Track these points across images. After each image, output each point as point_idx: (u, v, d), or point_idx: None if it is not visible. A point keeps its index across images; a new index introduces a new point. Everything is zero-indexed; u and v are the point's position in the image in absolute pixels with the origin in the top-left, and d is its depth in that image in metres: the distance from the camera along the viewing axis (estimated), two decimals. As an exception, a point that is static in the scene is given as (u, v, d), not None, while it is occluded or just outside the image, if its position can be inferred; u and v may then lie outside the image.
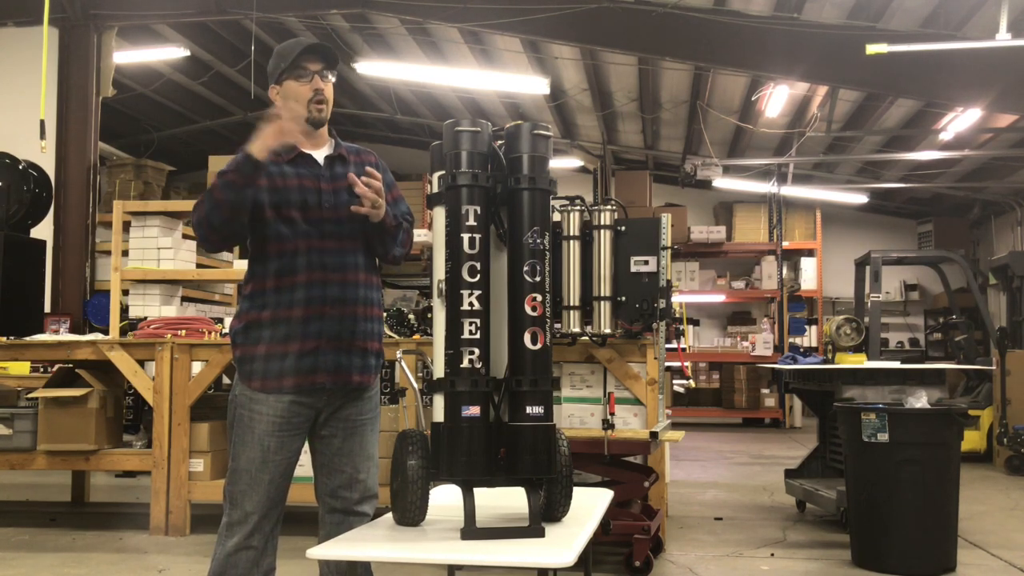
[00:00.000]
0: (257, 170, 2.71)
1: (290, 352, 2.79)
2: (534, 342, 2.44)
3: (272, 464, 2.80)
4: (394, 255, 2.97)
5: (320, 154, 2.94)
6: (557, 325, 4.51)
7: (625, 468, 4.87)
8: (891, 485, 4.69)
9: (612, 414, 4.59)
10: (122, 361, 5.66)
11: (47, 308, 8.13)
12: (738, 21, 8.49)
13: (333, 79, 2.94)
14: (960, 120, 10.17)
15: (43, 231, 8.12)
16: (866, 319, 8.32)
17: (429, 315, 5.67)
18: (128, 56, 9.63)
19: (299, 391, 2.80)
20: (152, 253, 6.80)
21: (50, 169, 8.26)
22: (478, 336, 2.43)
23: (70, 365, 5.92)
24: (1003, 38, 7.12)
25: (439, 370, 2.48)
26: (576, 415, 4.88)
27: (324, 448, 2.92)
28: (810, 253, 14.74)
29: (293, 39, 3.00)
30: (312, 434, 2.92)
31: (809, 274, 14.64)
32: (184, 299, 7.69)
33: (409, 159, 14.08)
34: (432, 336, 2.58)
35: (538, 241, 2.48)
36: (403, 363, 3.67)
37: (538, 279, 2.47)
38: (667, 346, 4.81)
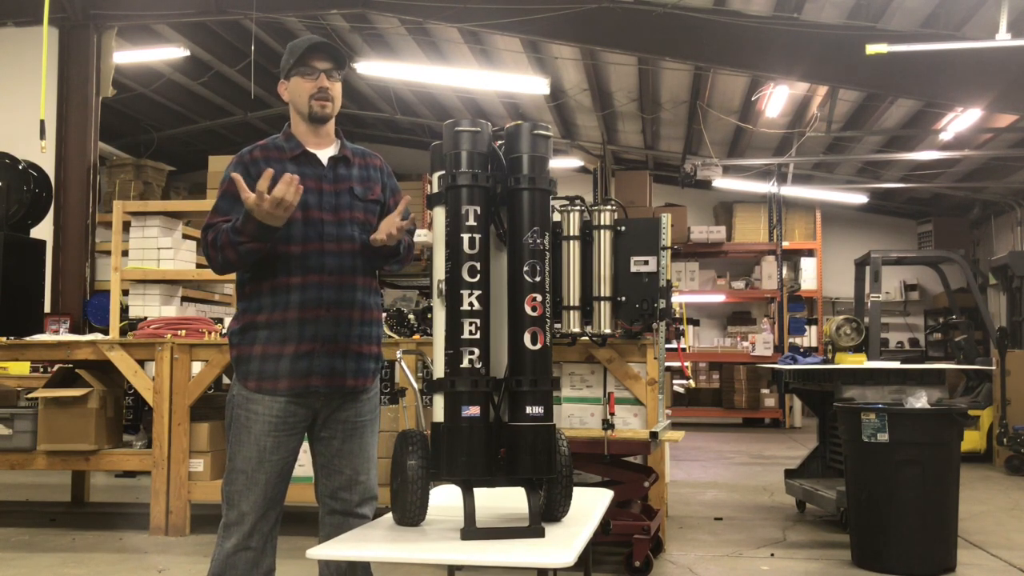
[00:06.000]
0: (272, 232, 2.68)
1: (285, 354, 2.78)
2: (534, 342, 2.44)
3: (269, 464, 2.79)
4: (389, 270, 2.98)
5: (325, 154, 2.92)
6: (557, 325, 4.50)
7: (625, 468, 4.87)
8: (891, 485, 4.69)
9: (612, 414, 4.59)
10: (122, 361, 5.66)
11: (47, 308, 8.13)
12: (738, 21, 8.49)
13: (340, 79, 2.93)
14: (960, 120, 10.16)
15: (43, 231, 8.12)
16: (866, 319, 8.31)
17: (429, 315, 5.66)
18: (128, 56, 9.63)
19: (293, 393, 2.79)
20: (152, 253, 6.79)
21: (50, 169, 8.25)
22: (478, 336, 2.42)
23: (70, 365, 5.92)
24: (1003, 38, 7.12)
25: (439, 370, 2.48)
26: (576, 415, 4.88)
27: (323, 449, 2.91)
28: (810, 253, 14.74)
29: (305, 36, 3.00)
30: (311, 435, 2.92)
31: (809, 274, 14.64)
32: (184, 299, 7.69)
33: (409, 159, 14.08)
34: (432, 336, 2.58)
35: (538, 241, 2.47)
36: (403, 363, 3.68)
37: (538, 279, 2.46)
38: (667, 346, 4.81)
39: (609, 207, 4.56)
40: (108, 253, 7.55)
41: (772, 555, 5.10)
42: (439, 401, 2.45)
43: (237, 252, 2.71)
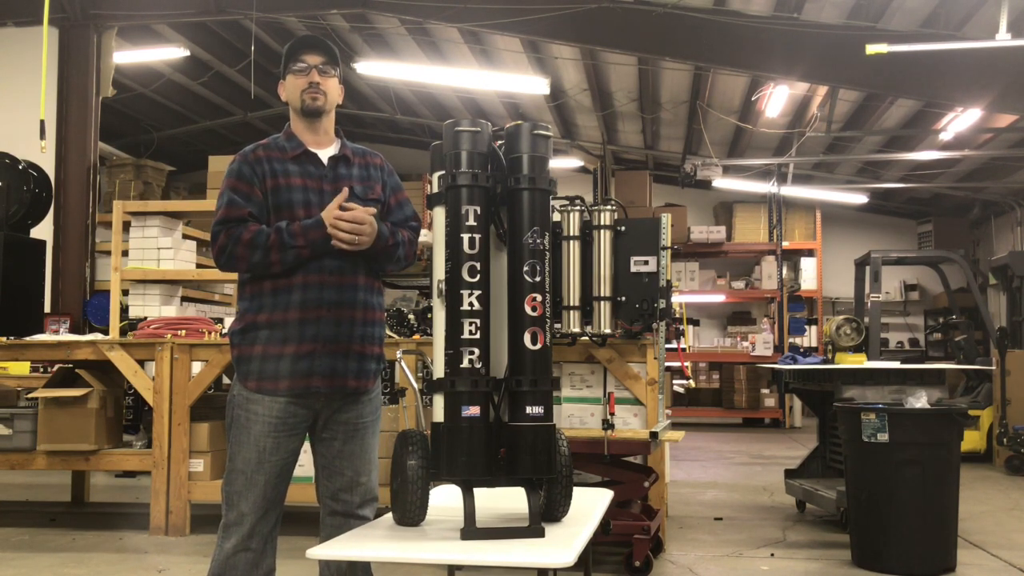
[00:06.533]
0: (328, 249, 2.77)
1: (286, 354, 2.77)
2: (534, 342, 2.44)
3: (268, 465, 2.78)
4: (391, 269, 2.98)
5: (325, 153, 2.93)
6: (557, 325, 4.50)
7: (625, 468, 4.87)
8: (891, 485, 4.69)
9: (612, 414, 4.58)
10: (122, 361, 5.66)
11: (47, 308, 8.13)
12: (738, 21, 8.49)
13: (335, 74, 2.93)
14: (960, 120, 10.16)
15: (43, 231, 8.12)
16: (866, 319, 8.31)
17: (429, 315, 5.66)
18: (128, 56, 9.64)
19: (293, 394, 2.79)
20: (152, 253, 6.80)
21: (50, 169, 8.26)
22: (478, 336, 2.42)
23: (70, 365, 5.92)
24: (1003, 38, 7.12)
25: (439, 370, 2.48)
26: (576, 415, 4.88)
27: (325, 450, 2.91)
28: (810, 253, 14.74)
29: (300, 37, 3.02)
30: (313, 436, 2.91)
31: (809, 274, 14.64)
32: (184, 299, 7.69)
33: (409, 159, 14.07)
34: (432, 336, 2.58)
35: (538, 241, 2.47)
36: (403, 363, 3.68)
37: (538, 279, 2.46)
38: (667, 346, 4.81)
39: (609, 207, 4.56)
40: (108, 253, 7.56)
41: (772, 555, 5.10)
42: (439, 401, 2.45)
43: (284, 255, 2.73)
